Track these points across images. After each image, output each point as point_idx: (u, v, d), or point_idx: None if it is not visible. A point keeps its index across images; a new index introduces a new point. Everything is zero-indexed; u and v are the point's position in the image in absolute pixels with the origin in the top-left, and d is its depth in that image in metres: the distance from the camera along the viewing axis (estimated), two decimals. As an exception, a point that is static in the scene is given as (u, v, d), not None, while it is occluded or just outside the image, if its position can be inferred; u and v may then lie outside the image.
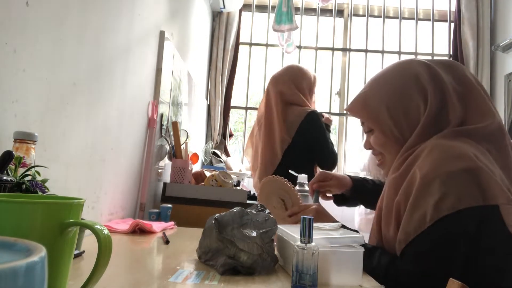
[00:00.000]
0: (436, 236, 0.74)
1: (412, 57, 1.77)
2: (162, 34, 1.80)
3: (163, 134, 1.91)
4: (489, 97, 0.90)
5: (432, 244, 0.75)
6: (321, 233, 0.76)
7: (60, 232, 0.43)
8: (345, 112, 3.43)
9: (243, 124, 3.57)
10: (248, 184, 2.89)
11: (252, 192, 2.55)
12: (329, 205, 1.24)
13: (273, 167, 1.96)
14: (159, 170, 1.94)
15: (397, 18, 3.52)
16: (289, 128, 1.95)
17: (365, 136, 1.06)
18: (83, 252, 0.82)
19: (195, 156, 2.19)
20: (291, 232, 0.77)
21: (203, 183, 2.00)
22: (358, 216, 2.53)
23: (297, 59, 3.47)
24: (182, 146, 2.02)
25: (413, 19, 3.52)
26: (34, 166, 0.73)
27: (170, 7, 1.98)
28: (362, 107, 0.97)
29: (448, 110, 0.86)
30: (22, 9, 0.81)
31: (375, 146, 0.97)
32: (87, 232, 0.72)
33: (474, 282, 0.67)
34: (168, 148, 2.03)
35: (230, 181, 1.98)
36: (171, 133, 2.00)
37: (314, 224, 0.74)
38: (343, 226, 0.89)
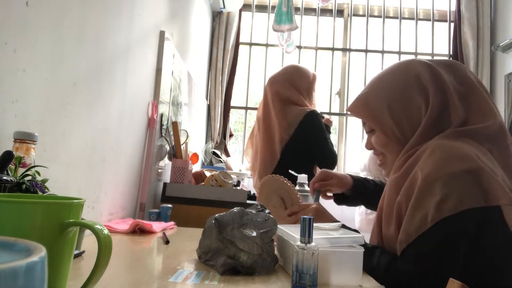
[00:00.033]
0: (437, 237, 0.74)
1: (413, 57, 1.77)
2: (162, 34, 1.80)
3: (163, 134, 1.91)
4: (490, 97, 0.89)
5: (433, 245, 0.75)
6: (321, 233, 0.76)
7: (60, 232, 0.43)
8: (345, 112, 3.43)
9: (243, 124, 3.58)
10: (248, 184, 2.89)
11: (252, 192, 2.55)
12: (329, 205, 1.24)
13: (272, 166, 1.96)
14: (159, 170, 1.94)
15: (397, 18, 3.52)
16: (288, 127, 1.95)
17: (366, 136, 1.06)
18: (83, 252, 0.82)
19: (195, 156, 2.19)
20: (291, 232, 0.77)
21: (203, 183, 2.00)
22: (358, 216, 2.52)
23: (297, 59, 3.47)
24: (182, 146, 2.02)
25: (413, 19, 3.52)
26: (34, 166, 0.73)
27: (170, 7, 1.98)
28: (363, 107, 0.97)
29: (450, 111, 0.86)
30: (22, 9, 0.81)
31: (377, 146, 0.97)
32: (87, 232, 0.72)
33: (474, 282, 0.67)
34: (168, 148, 2.03)
35: (230, 181, 1.98)
36: (171, 133, 2.00)
37: (315, 224, 0.74)
38: (343, 226, 0.89)
